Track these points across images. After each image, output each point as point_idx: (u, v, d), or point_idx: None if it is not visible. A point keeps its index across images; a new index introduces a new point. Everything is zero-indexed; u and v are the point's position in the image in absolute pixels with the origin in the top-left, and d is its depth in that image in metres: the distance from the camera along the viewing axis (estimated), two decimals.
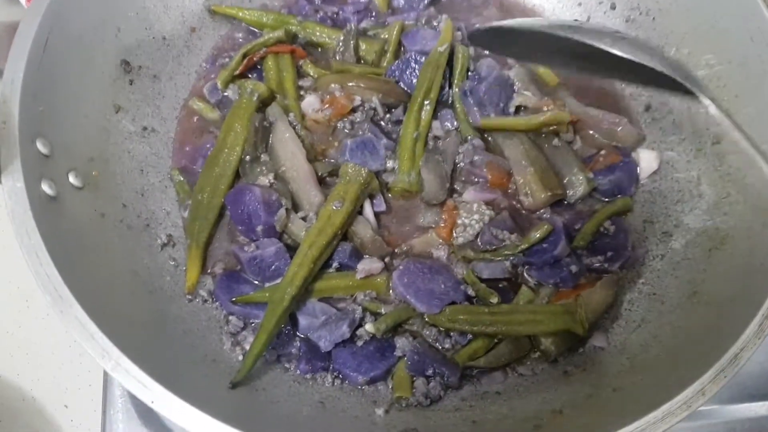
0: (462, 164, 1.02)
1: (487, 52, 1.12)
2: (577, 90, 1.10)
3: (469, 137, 1.04)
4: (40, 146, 0.81)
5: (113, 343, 0.69)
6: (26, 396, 1.07)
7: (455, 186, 1.02)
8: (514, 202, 1.01)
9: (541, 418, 0.81)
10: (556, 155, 1.02)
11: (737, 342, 0.72)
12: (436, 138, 1.05)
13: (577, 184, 1.00)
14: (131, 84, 1.01)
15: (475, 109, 1.04)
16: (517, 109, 1.06)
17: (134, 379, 0.68)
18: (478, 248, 0.97)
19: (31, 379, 1.07)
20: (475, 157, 1.01)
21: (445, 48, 1.05)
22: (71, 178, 0.85)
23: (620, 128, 1.05)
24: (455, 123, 1.05)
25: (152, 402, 0.68)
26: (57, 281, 0.71)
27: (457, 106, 1.05)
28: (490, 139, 1.05)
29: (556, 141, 1.04)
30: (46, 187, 0.79)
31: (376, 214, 0.99)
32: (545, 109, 1.03)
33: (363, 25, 1.14)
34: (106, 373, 1.00)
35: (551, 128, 1.03)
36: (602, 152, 1.04)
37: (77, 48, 0.92)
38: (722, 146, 0.97)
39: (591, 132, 1.06)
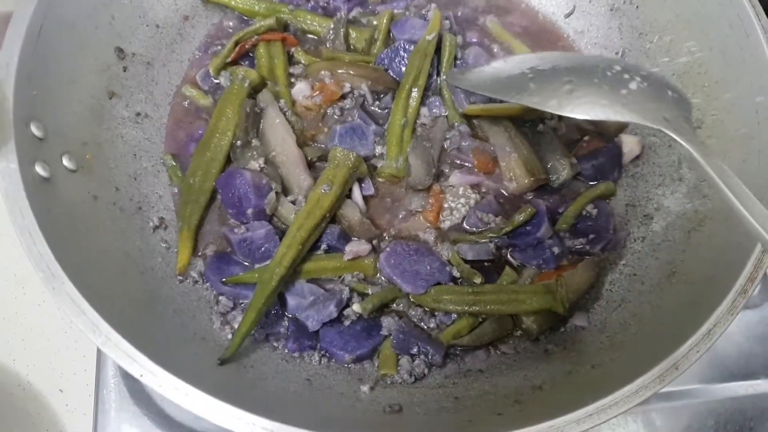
0: (449, 149, 1.05)
1: (474, 40, 1.14)
2: None
3: (456, 123, 1.06)
4: (34, 129, 0.83)
5: (103, 319, 0.71)
6: (22, 381, 1.08)
7: (442, 169, 1.04)
8: (499, 186, 1.03)
9: (521, 394, 0.83)
10: (540, 141, 1.04)
11: (710, 318, 0.74)
12: (424, 124, 1.07)
13: (561, 169, 1.02)
14: (125, 71, 1.03)
15: (461, 96, 1.06)
16: None
17: (123, 354, 0.70)
18: (464, 231, 0.99)
19: (26, 364, 1.08)
20: (462, 143, 1.04)
21: (433, 37, 1.07)
22: (65, 161, 0.87)
23: None
24: (443, 110, 1.07)
25: (141, 375, 0.69)
26: (49, 258, 0.73)
27: (445, 93, 1.07)
28: (477, 123, 1.07)
29: (540, 127, 1.06)
30: (39, 169, 0.80)
31: (365, 198, 1.01)
32: None
33: (353, 13, 1.16)
34: (99, 355, 1.03)
35: (536, 114, 1.05)
36: (586, 138, 1.06)
37: (72, 34, 0.94)
38: (702, 131, 0.99)
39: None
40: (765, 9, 0.93)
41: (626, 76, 0.73)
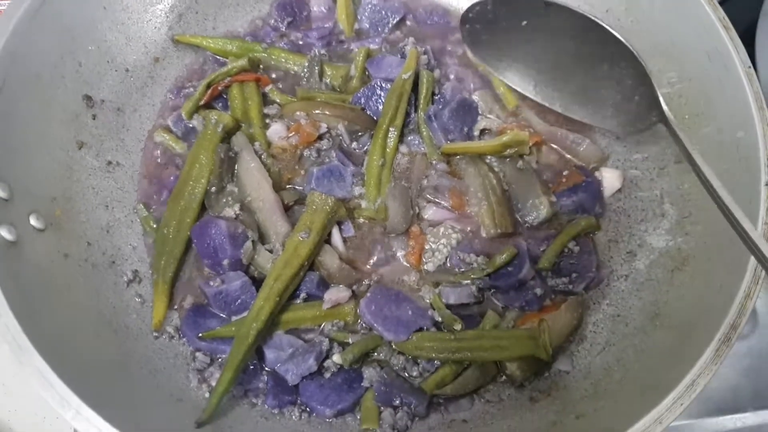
0: (426, 187, 1.03)
1: (452, 75, 1.13)
2: (538, 111, 1.10)
3: (434, 161, 1.04)
4: None
5: (73, 392, 0.69)
6: (3, 427, 1.05)
7: (418, 202, 1.02)
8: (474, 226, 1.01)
9: None
10: (519, 179, 1.03)
11: (693, 369, 0.73)
12: (402, 163, 1.05)
13: (541, 208, 1.00)
14: (94, 119, 1.01)
15: (440, 133, 1.04)
16: (482, 131, 1.07)
17: (96, 429, 0.68)
18: (446, 271, 0.97)
19: (8, 410, 1.06)
20: (440, 182, 1.02)
21: (410, 75, 1.05)
22: (32, 221, 0.84)
23: (583, 147, 1.06)
24: (421, 147, 1.06)
25: None
26: (16, 330, 0.71)
27: (423, 131, 1.06)
28: (455, 161, 1.05)
29: (520, 164, 1.04)
30: (5, 233, 0.78)
31: (345, 239, 1.00)
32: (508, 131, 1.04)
33: (327, 50, 1.13)
34: None
35: (514, 150, 1.03)
36: (565, 173, 1.04)
37: (37, 86, 0.92)
38: (684, 165, 0.97)
39: (555, 148, 1.07)
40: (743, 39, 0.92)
41: None
